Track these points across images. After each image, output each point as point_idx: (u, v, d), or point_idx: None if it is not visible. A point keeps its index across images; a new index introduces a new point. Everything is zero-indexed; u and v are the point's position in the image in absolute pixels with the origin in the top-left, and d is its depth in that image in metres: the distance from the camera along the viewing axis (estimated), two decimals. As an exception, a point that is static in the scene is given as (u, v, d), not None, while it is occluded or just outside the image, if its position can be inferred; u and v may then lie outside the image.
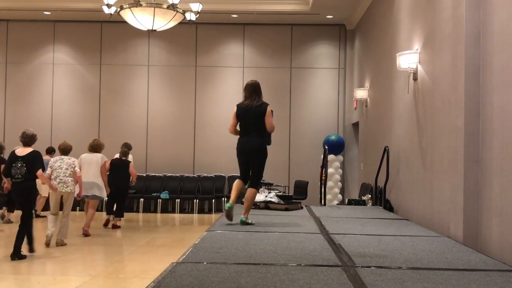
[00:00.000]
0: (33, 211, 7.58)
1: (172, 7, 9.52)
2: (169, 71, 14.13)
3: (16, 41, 14.13)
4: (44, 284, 6.15)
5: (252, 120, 5.71)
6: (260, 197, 7.36)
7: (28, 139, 7.38)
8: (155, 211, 13.34)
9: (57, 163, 8.27)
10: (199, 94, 14.03)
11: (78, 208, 12.77)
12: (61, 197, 8.26)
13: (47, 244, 7.99)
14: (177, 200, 13.27)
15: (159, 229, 11.00)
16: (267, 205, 7.25)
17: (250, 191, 5.75)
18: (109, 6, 9.65)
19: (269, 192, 7.67)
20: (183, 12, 9.86)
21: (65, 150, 8.53)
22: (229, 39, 14.11)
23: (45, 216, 10.74)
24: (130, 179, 10.47)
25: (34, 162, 7.23)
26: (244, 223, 5.56)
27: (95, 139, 9.85)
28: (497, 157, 4.68)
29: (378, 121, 10.09)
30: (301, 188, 12.51)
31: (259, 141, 5.72)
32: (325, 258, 3.92)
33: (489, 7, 4.93)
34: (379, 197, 8.68)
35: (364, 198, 9.33)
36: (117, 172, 10.08)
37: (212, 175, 13.80)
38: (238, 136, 5.86)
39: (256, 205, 7.06)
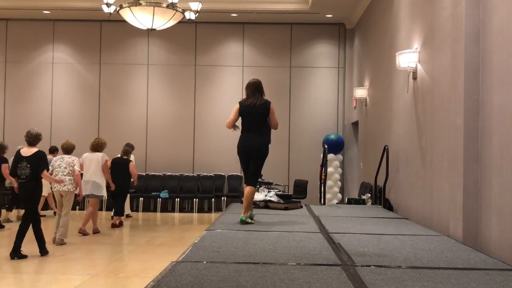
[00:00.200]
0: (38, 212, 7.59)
1: (172, 6, 9.51)
2: (169, 70, 14.13)
3: (15, 40, 14.12)
4: (44, 283, 6.15)
5: (255, 119, 5.72)
6: (259, 196, 7.36)
7: (32, 139, 7.40)
8: (154, 210, 13.34)
9: (57, 162, 8.35)
10: (198, 93, 14.03)
11: (78, 207, 12.77)
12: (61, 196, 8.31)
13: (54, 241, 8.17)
14: (176, 199, 13.27)
15: (159, 228, 10.99)
16: (266, 204, 7.25)
17: (248, 189, 5.75)
18: (108, 5, 9.64)
19: (268, 191, 7.67)
20: (183, 11, 9.86)
21: (68, 150, 8.58)
22: (228, 38, 14.10)
23: (44, 215, 10.76)
24: (131, 179, 10.51)
25: (39, 162, 7.27)
26: (244, 222, 5.56)
27: (96, 138, 9.88)
28: (496, 156, 4.68)
29: (377, 120, 10.09)
30: (300, 187, 12.51)
31: (261, 139, 5.73)
32: (324, 257, 3.92)
33: (488, 5, 4.93)
34: (379, 196, 8.69)
35: (363, 197, 9.33)
36: (117, 171, 10.10)
37: (211, 174, 13.80)
38: (234, 132, 5.87)
39: (256, 204, 7.06)
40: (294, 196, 10.23)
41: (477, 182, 5.03)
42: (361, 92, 11.47)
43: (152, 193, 13.31)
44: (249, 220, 5.64)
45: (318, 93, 14.01)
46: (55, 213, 11.61)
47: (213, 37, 14.06)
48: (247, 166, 5.83)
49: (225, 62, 14.07)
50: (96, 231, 9.43)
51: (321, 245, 4.41)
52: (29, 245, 7.32)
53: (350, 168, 13.54)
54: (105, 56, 14.09)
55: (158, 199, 13.23)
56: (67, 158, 8.41)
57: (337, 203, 11.85)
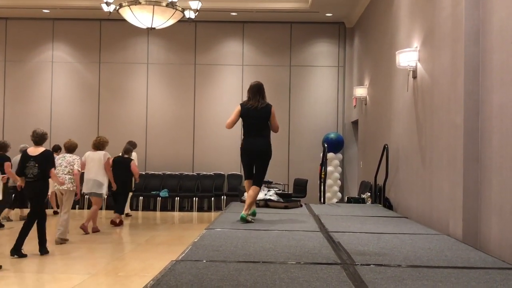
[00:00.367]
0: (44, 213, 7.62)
1: (171, 5, 9.51)
2: (168, 69, 14.12)
3: (15, 39, 14.11)
4: (43, 282, 6.15)
5: (256, 121, 5.77)
6: (259, 195, 7.35)
7: (38, 138, 7.47)
8: (154, 209, 13.34)
9: (59, 161, 8.39)
10: (198, 92, 14.02)
11: (77, 206, 12.76)
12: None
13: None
14: (176, 198, 13.27)
15: (159, 227, 11.00)
16: (266, 203, 7.25)
17: (253, 189, 5.79)
18: (108, 4, 9.64)
19: (268, 190, 7.67)
20: (182, 10, 9.86)
21: (70, 148, 8.62)
22: (228, 37, 14.10)
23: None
24: (133, 177, 10.56)
25: (47, 162, 7.35)
26: (244, 219, 5.56)
27: (98, 137, 9.90)
28: (496, 155, 4.68)
29: (377, 119, 10.09)
30: (300, 186, 12.51)
31: (264, 142, 5.80)
32: (324, 256, 3.92)
33: (488, 5, 4.93)
34: (379, 195, 8.69)
35: (363, 196, 9.34)
36: (118, 169, 10.10)
37: (211, 173, 13.80)
38: (233, 130, 5.91)
39: (256, 203, 7.05)
40: (294, 195, 10.24)
41: (477, 181, 5.03)
42: (361, 91, 11.46)
43: (152, 192, 13.31)
44: (250, 218, 5.64)
45: (318, 92, 14.01)
46: (55, 212, 11.65)
47: (212, 36, 14.05)
48: (250, 168, 5.87)
49: (225, 61, 14.06)
50: (95, 230, 9.44)
51: (321, 244, 4.41)
52: (29, 244, 7.31)
53: (350, 167, 13.54)
54: (104, 55, 14.08)
55: (158, 198, 13.23)
56: (68, 157, 8.46)
57: (337, 202, 11.84)
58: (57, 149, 11.44)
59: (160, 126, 13.95)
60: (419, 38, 7.10)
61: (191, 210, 13.46)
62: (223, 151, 13.68)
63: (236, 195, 12.67)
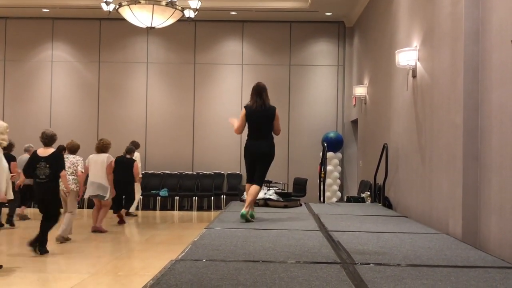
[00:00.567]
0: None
1: (171, 4, 9.51)
2: (168, 68, 14.11)
3: (14, 38, 14.09)
4: (43, 281, 6.15)
5: (260, 123, 5.86)
6: (259, 194, 7.35)
7: (47, 139, 7.49)
8: (154, 209, 13.34)
9: None
10: (198, 91, 14.02)
11: (77, 206, 12.73)
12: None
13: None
14: (176, 197, 13.26)
15: (158, 227, 11.00)
16: (266, 202, 7.25)
17: (254, 187, 5.84)
18: (107, 3, 9.64)
19: (268, 189, 7.67)
20: (182, 10, 9.86)
21: (72, 149, 8.63)
22: (228, 37, 14.09)
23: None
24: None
25: (58, 162, 7.38)
26: (244, 217, 5.59)
27: (101, 139, 9.84)
28: (496, 154, 4.68)
29: (377, 118, 10.09)
30: (300, 186, 12.51)
31: (267, 144, 5.88)
32: (324, 255, 3.92)
33: (488, 4, 4.93)
34: (378, 194, 8.69)
35: (363, 195, 9.34)
36: (119, 169, 10.07)
37: (211, 172, 13.80)
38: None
39: (256, 203, 7.05)
40: (294, 194, 10.23)
41: (477, 180, 5.04)
42: (360, 90, 11.46)
43: (152, 192, 13.31)
44: (249, 217, 5.65)
45: (318, 91, 14.01)
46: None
47: (212, 35, 14.05)
48: (253, 169, 5.93)
49: (225, 60, 14.06)
50: (95, 230, 9.42)
51: (321, 243, 4.41)
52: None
53: (350, 166, 13.55)
54: (104, 55, 14.07)
55: (158, 197, 13.23)
56: (72, 158, 8.47)
57: (336, 201, 11.85)
58: (61, 149, 11.42)
59: (160, 125, 13.95)
60: (419, 37, 7.10)
61: (190, 209, 13.46)
62: (222, 150, 13.68)
63: (235, 194, 12.67)
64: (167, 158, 13.84)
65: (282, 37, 14.02)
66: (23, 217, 10.79)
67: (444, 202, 5.81)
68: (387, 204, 8.27)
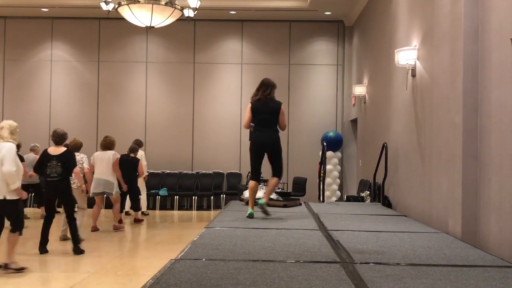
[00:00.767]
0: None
1: (170, 3, 9.50)
2: (167, 68, 14.11)
3: (13, 38, 14.09)
4: (43, 280, 6.16)
5: (268, 116, 5.96)
6: (258, 193, 7.34)
7: (58, 138, 7.56)
8: (153, 208, 13.32)
9: None
10: (197, 90, 14.01)
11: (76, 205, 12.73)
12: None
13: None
14: (175, 197, 13.27)
15: (158, 226, 11.00)
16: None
17: (273, 180, 6.06)
18: (107, 3, 9.63)
19: (267, 189, 7.66)
20: (181, 9, 9.85)
21: (75, 147, 8.64)
22: (227, 36, 14.09)
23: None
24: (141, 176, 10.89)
25: (70, 161, 7.48)
26: (262, 206, 5.81)
27: (106, 137, 9.83)
28: (495, 154, 4.68)
29: (376, 118, 10.09)
30: (299, 185, 12.51)
31: (275, 135, 6.02)
32: (323, 254, 3.92)
33: (487, 3, 4.93)
34: (378, 194, 8.69)
35: (362, 194, 9.34)
36: (123, 168, 10.05)
37: (210, 172, 13.80)
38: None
39: (255, 202, 7.05)
40: (293, 193, 10.24)
41: (476, 180, 5.04)
42: (360, 90, 11.46)
43: (151, 191, 13.30)
44: (266, 209, 5.87)
45: (317, 90, 14.01)
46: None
47: (211, 35, 14.04)
48: (260, 160, 6.04)
49: (224, 60, 14.05)
50: (94, 229, 9.41)
51: (320, 243, 4.41)
52: (29, 243, 7.32)
53: (349, 165, 13.55)
54: (103, 54, 14.06)
55: (157, 196, 13.23)
56: (76, 155, 8.47)
57: (336, 201, 11.85)
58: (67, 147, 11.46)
59: (159, 124, 13.95)
60: (418, 37, 7.10)
61: (190, 208, 13.46)
62: (222, 149, 13.67)
63: (235, 193, 12.66)
64: (167, 157, 13.84)
65: (281, 36, 14.01)
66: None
67: (443, 201, 5.81)
68: (387, 203, 8.27)
